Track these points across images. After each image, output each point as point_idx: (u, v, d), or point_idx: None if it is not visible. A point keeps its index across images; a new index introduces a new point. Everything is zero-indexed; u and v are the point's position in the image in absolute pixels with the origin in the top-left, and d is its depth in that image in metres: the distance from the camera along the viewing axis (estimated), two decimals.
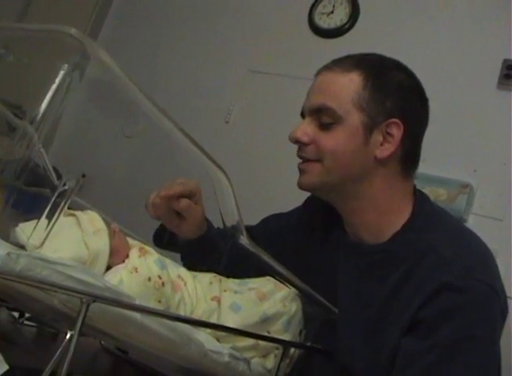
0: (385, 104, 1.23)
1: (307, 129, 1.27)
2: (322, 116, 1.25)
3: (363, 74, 1.24)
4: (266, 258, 1.28)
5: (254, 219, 1.56)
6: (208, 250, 1.45)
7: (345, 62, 1.28)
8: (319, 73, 1.31)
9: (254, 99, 2.91)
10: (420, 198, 1.31)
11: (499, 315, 1.18)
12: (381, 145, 1.24)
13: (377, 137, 1.24)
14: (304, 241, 1.45)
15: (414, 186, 1.32)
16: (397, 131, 1.23)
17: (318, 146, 1.25)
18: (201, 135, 1.21)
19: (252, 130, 2.85)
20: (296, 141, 1.28)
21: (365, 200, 1.27)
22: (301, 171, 1.30)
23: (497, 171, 2.28)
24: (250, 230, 1.50)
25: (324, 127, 1.25)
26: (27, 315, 1.42)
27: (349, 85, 1.24)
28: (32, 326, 1.44)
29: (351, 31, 2.78)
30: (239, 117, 2.91)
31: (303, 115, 1.31)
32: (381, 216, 1.28)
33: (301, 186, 1.30)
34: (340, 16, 2.79)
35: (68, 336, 0.92)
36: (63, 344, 0.91)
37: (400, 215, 1.27)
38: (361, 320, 1.27)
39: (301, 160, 1.30)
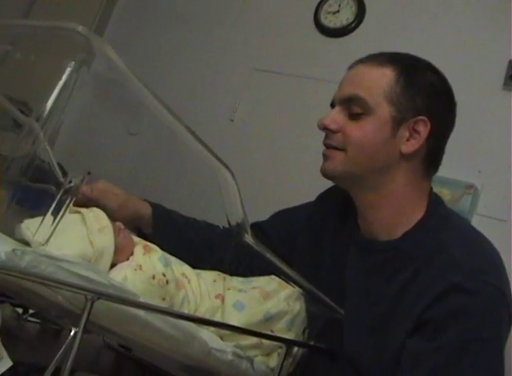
0: (415, 101, 1.25)
1: (336, 117, 1.28)
2: (353, 106, 1.26)
3: (397, 69, 1.27)
4: (271, 256, 1.28)
5: (258, 218, 1.56)
6: (168, 226, 1.47)
7: (380, 57, 1.30)
8: (352, 66, 1.33)
9: (260, 98, 2.90)
10: (435, 200, 1.32)
11: (506, 319, 1.18)
12: (407, 140, 1.26)
13: (404, 132, 1.25)
14: (316, 238, 1.46)
15: (431, 188, 1.33)
16: (424, 129, 1.25)
17: (345, 134, 1.27)
18: (206, 133, 1.21)
19: (257, 128, 2.85)
20: (324, 128, 1.29)
21: (385, 194, 1.28)
22: (325, 158, 1.31)
23: (502, 173, 2.28)
24: (260, 225, 1.51)
25: (353, 117, 1.27)
26: (30, 311, 1.42)
27: (382, 78, 1.26)
28: (36, 322, 1.44)
29: (357, 31, 2.77)
30: (245, 115, 2.91)
31: (333, 105, 1.32)
32: (396, 213, 1.29)
33: (324, 173, 1.31)
34: (346, 15, 2.78)
35: (72, 333, 0.92)
36: (67, 340, 0.92)
37: (414, 214, 1.28)
38: (368, 317, 1.27)
39: (325, 148, 1.31)
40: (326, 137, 1.30)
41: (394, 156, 1.26)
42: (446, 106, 1.31)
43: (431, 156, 1.29)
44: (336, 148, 1.28)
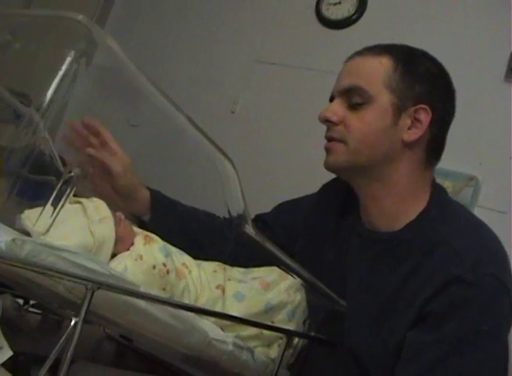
0: (414, 88, 1.25)
1: (337, 109, 1.28)
2: (353, 96, 1.26)
3: (393, 57, 1.27)
4: (271, 247, 1.27)
5: (259, 209, 1.56)
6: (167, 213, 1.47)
7: (375, 48, 1.30)
8: (348, 59, 1.33)
9: (261, 90, 2.90)
10: (437, 190, 1.32)
11: (508, 310, 1.17)
12: (409, 129, 1.25)
13: (406, 120, 1.25)
14: (318, 229, 1.46)
15: (434, 179, 1.33)
16: (425, 117, 1.25)
17: (346, 125, 1.26)
18: (207, 125, 1.20)
19: (258, 120, 2.84)
20: (325, 120, 1.29)
21: (389, 184, 1.28)
22: (328, 151, 1.31)
23: (503, 165, 2.28)
24: (263, 217, 1.51)
25: (354, 107, 1.26)
26: (31, 302, 1.42)
27: (380, 67, 1.26)
28: (36, 313, 1.44)
29: (359, 22, 2.76)
30: (246, 107, 2.91)
31: (331, 99, 1.32)
32: (399, 203, 1.28)
33: (328, 167, 1.31)
34: (347, 7, 2.77)
35: (73, 323, 0.92)
36: (68, 331, 0.91)
37: (417, 204, 1.28)
38: (369, 308, 1.27)
39: (326, 141, 1.31)
40: (328, 130, 1.30)
41: (397, 145, 1.26)
42: (446, 92, 1.31)
43: (434, 144, 1.29)
44: (337, 140, 1.28)
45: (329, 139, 1.30)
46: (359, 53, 1.31)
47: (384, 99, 1.24)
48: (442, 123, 1.30)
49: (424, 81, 1.26)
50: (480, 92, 2.38)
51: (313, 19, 2.87)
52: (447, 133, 1.32)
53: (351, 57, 1.32)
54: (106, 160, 1.32)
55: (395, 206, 1.29)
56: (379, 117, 1.25)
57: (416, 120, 1.25)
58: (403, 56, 1.28)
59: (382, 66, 1.26)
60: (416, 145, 1.27)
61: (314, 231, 1.47)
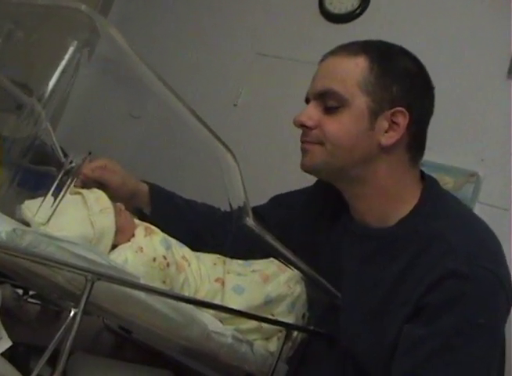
0: (391, 89, 1.23)
1: (312, 113, 1.26)
2: (328, 100, 1.24)
3: (369, 58, 1.24)
4: (271, 240, 1.27)
5: (261, 202, 1.56)
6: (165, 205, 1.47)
7: (350, 47, 1.27)
8: (323, 58, 1.30)
9: (263, 83, 2.89)
10: (429, 184, 1.30)
11: (504, 303, 1.17)
12: (386, 132, 1.23)
13: (383, 123, 1.23)
14: (313, 222, 1.45)
15: (422, 172, 1.32)
16: (402, 120, 1.23)
17: (322, 130, 1.25)
18: (209, 118, 1.20)
19: (261, 113, 2.83)
20: (301, 125, 1.28)
21: (371, 185, 1.27)
22: (304, 152, 1.29)
23: (505, 161, 2.27)
24: (258, 209, 1.50)
25: (329, 111, 1.24)
26: (31, 292, 1.42)
27: (355, 69, 1.23)
28: (36, 303, 1.44)
29: (362, 17, 2.74)
30: (248, 100, 2.89)
31: (307, 101, 1.30)
32: (388, 202, 1.27)
33: (304, 168, 1.30)
34: (350, 1, 2.75)
35: (72, 314, 0.92)
36: (67, 321, 0.92)
37: (407, 201, 1.27)
38: (364, 304, 1.27)
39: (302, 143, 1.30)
40: (304, 134, 1.29)
41: (374, 147, 1.24)
42: (423, 90, 1.28)
43: (414, 143, 1.27)
44: (314, 143, 1.27)
45: (306, 142, 1.29)
46: (334, 53, 1.28)
47: (359, 103, 1.22)
48: (421, 122, 1.28)
49: (402, 81, 1.24)
50: (482, 88, 2.36)
51: (316, 12, 2.85)
52: (427, 130, 1.30)
53: (325, 57, 1.30)
54: (101, 179, 1.32)
55: (383, 205, 1.28)
56: (355, 120, 1.23)
57: (393, 123, 1.23)
58: (379, 54, 1.25)
59: (358, 68, 1.23)
60: (394, 147, 1.24)
61: (309, 225, 1.46)
